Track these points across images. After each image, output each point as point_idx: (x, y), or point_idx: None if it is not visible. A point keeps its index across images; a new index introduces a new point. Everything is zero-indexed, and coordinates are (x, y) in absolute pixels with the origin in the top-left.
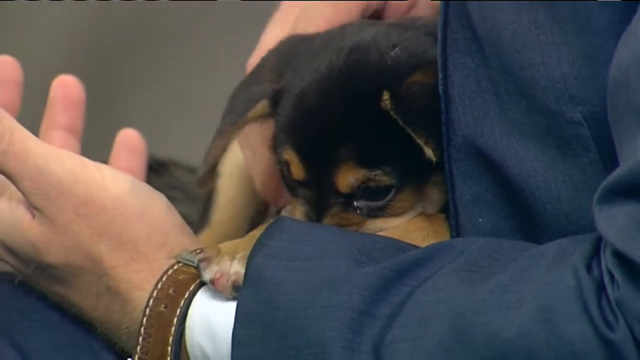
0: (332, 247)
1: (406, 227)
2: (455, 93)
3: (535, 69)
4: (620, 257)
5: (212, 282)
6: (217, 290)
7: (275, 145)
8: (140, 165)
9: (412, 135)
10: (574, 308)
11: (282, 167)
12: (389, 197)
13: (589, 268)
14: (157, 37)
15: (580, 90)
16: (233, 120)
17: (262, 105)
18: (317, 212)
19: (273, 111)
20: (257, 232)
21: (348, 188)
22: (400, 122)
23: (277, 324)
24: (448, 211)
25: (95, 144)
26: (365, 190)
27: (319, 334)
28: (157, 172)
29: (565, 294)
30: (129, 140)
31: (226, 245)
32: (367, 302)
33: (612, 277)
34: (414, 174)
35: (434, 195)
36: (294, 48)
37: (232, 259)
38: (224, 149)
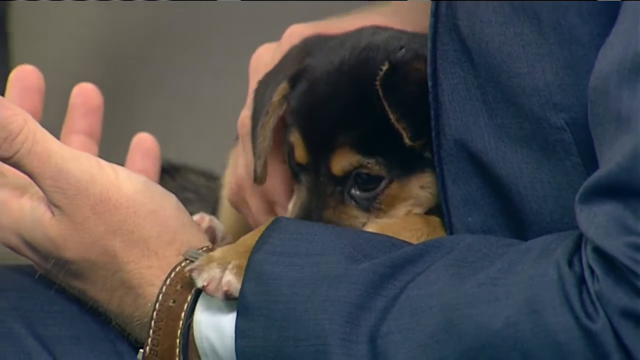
0: (329, 245)
1: (403, 226)
2: (446, 100)
3: (521, 78)
4: (600, 253)
5: (204, 288)
6: (209, 295)
7: (284, 131)
8: (153, 166)
9: (388, 110)
10: (557, 300)
11: (288, 151)
12: (379, 189)
13: (570, 263)
14: (167, 45)
15: (563, 98)
16: (266, 110)
17: (283, 87)
18: (316, 202)
19: (291, 93)
20: (246, 239)
21: (341, 171)
22: (381, 95)
23: (277, 316)
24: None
25: (113, 147)
26: (357, 179)
27: (319, 327)
28: (171, 175)
29: (548, 287)
30: (143, 144)
31: (216, 253)
32: (364, 296)
33: (592, 271)
34: (404, 172)
35: (422, 196)
36: (316, 41)
37: (223, 267)
38: (266, 140)
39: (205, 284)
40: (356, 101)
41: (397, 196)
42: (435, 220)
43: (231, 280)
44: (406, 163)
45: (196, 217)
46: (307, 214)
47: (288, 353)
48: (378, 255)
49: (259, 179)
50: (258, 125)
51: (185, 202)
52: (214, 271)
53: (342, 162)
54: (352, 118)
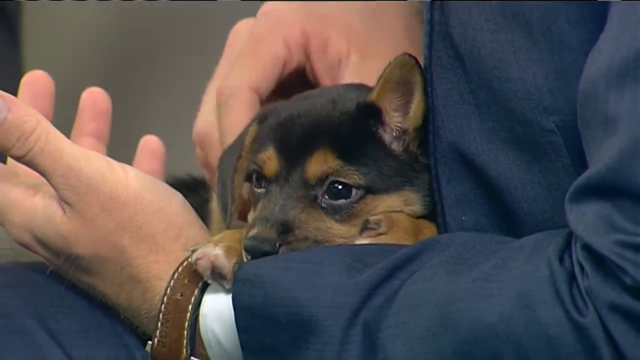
0: (327, 256)
1: (422, 226)
2: (440, 104)
3: (512, 82)
4: (589, 250)
5: (196, 263)
6: (199, 271)
7: (249, 160)
8: (159, 166)
9: (418, 79)
10: (549, 295)
11: (252, 174)
12: (352, 199)
13: (561, 260)
14: (172, 51)
15: (553, 102)
16: (238, 155)
17: (254, 129)
18: (283, 203)
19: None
20: (242, 229)
21: (319, 173)
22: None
23: (282, 319)
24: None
25: (120, 149)
26: (331, 188)
27: (327, 332)
28: (195, 189)
29: (540, 282)
30: (149, 145)
31: (216, 237)
32: (367, 299)
33: (582, 267)
34: (383, 187)
35: (406, 212)
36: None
37: (215, 246)
38: (240, 185)
39: (199, 256)
40: (338, 113)
41: (371, 210)
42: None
43: (219, 254)
44: (386, 178)
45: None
46: (270, 211)
47: (298, 353)
48: (376, 262)
49: (232, 217)
50: (226, 185)
51: (207, 213)
52: (208, 248)
53: (320, 165)
54: (332, 132)
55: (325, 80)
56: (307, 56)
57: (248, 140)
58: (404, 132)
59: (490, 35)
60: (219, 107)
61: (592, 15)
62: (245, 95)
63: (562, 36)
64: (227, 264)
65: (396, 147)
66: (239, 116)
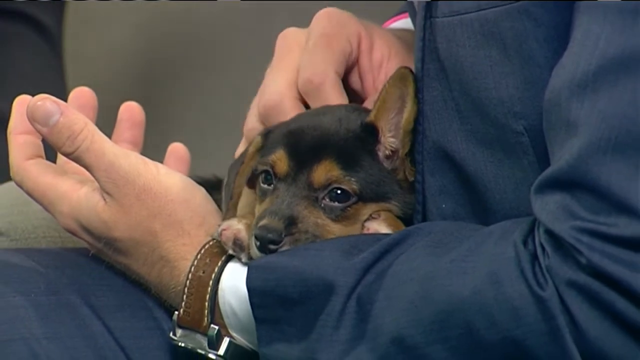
0: (327, 244)
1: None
2: (427, 109)
3: (488, 91)
4: (550, 234)
5: (221, 234)
6: (223, 241)
7: (257, 164)
8: (185, 169)
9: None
10: (514, 273)
11: (260, 174)
12: (348, 203)
13: (525, 243)
14: (197, 70)
15: (522, 108)
16: (241, 161)
17: (257, 141)
18: (290, 199)
19: (264, 145)
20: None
21: (324, 180)
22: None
23: (295, 297)
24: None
25: (152, 154)
26: (332, 192)
27: (330, 305)
28: (218, 188)
29: (507, 262)
30: (177, 151)
31: (240, 216)
32: (361, 277)
33: (543, 249)
34: (372, 197)
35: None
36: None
37: (239, 222)
38: (241, 186)
39: (224, 228)
40: (344, 130)
41: (360, 215)
42: None
43: (240, 229)
44: (376, 190)
45: (223, 224)
46: (278, 207)
47: (307, 323)
48: (369, 248)
49: (229, 213)
50: (231, 184)
51: None
52: (233, 222)
53: (325, 173)
54: (340, 142)
55: (368, 78)
56: (359, 54)
57: (251, 149)
58: (395, 152)
59: (471, 51)
60: (307, 94)
61: (557, 36)
62: (336, 79)
63: (531, 53)
64: (246, 237)
65: (387, 164)
66: (336, 99)
